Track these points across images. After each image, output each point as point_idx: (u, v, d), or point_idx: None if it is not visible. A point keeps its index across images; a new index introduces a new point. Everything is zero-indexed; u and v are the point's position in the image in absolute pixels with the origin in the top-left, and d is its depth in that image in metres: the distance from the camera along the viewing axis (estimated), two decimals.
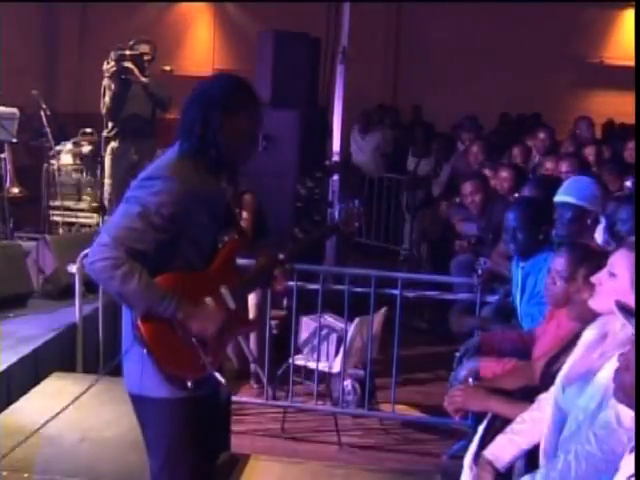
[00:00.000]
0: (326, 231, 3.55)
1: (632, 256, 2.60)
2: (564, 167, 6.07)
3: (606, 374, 2.41)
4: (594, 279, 2.70)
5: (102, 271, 2.62)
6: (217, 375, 2.78)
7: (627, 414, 2.24)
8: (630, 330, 2.08)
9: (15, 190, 8.41)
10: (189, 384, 2.76)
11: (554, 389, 2.80)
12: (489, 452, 2.86)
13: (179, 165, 2.77)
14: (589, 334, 2.78)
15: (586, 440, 2.36)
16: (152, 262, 2.68)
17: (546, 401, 2.87)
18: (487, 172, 6.61)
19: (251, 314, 5.40)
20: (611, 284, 2.62)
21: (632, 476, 1.94)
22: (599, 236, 4.47)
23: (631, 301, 2.43)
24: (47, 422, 3.24)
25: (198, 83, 2.90)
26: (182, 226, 2.73)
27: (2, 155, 8.47)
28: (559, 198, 4.48)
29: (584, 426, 2.45)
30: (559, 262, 3.50)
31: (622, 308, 2.15)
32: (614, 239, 4.08)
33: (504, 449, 2.85)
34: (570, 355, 2.87)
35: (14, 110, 7.42)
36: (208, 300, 2.78)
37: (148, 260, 2.67)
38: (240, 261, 3.05)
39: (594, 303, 2.69)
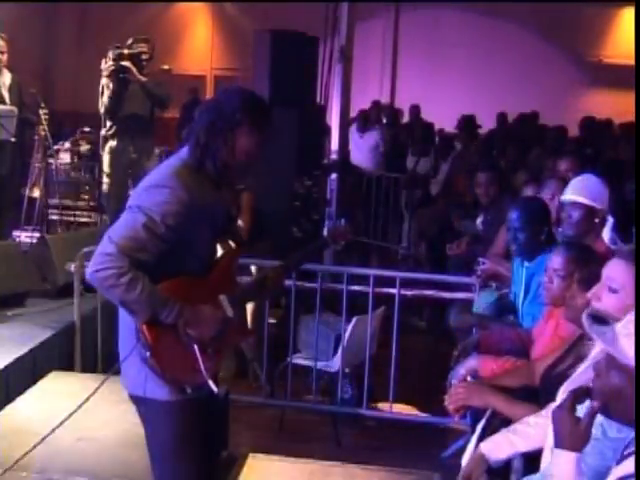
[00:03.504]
0: (318, 245, 3.61)
1: (632, 269, 2.52)
2: (564, 166, 6.04)
3: None
4: (590, 295, 2.62)
5: (105, 280, 2.61)
6: (211, 383, 2.78)
7: (613, 424, 2.21)
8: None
9: (36, 193, 8.43)
10: (188, 390, 2.78)
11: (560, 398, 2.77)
12: (486, 446, 2.85)
13: (183, 174, 2.75)
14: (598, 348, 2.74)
15: None
16: (151, 270, 2.67)
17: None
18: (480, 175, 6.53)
19: (249, 317, 5.42)
20: (612, 300, 2.54)
21: (626, 477, 1.92)
22: (606, 235, 4.46)
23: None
24: (62, 423, 3.21)
25: (219, 92, 2.86)
26: (183, 235, 2.73)
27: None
28: (568, 197, 4.44)
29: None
30: (556, 261, 3.50)
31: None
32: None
33: (501, 446, 2.83)
34: (572, 360, 2.85)
35: (12, 108, 7.42)
36: (206, 306, 2.80)
37: (148, 268, 2.66)
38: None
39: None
